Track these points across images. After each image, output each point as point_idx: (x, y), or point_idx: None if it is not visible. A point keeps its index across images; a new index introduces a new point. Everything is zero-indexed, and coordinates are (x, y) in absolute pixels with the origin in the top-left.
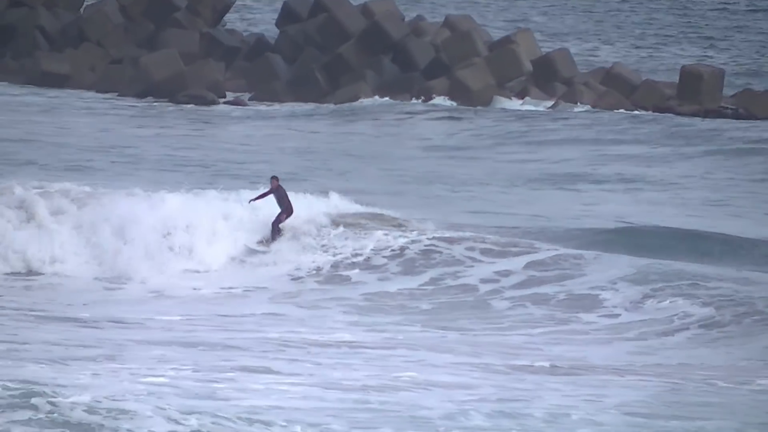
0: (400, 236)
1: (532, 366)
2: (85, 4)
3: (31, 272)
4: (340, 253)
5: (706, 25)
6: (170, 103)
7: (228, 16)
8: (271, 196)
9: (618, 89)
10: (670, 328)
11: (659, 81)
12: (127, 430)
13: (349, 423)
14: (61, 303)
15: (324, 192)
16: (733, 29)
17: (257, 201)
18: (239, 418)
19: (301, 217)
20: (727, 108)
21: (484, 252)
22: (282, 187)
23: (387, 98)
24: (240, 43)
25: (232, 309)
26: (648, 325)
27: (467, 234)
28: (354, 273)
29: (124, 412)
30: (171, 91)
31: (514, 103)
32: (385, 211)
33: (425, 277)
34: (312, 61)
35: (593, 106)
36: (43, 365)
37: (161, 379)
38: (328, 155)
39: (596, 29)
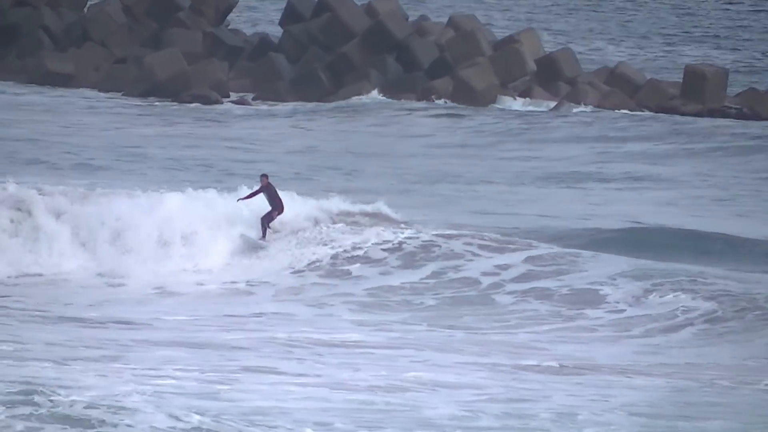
0: (398, 232)
1: (540, 366)
2: (89, 3)
3: (33, 273)
4: (340, 247)
5: (710, 24)
6: (174, 103)
7: (231, 16)
8: (262, 195)
9: (622, 89)
10: (674, 324)
11: (663, 80)
12: (127, 425)
13: (355, 424)
14: (64, 303)
15: (323, 192)
16: (737, 28)
17: (247, 200)
18: (243, 418)
19: (300, 214)
20: (731, 108)
21: (482, 247)
22: (272, 185)
23: (382, 96)
24: (243, 42)
25: (238, 308)
26: (653, 321)
27: (465, 232)
28: (355, 267)
29: (125, 408)
30: (174, 90)
31: (516, 104)
32: (384, 210)
33: (426, 270)
34: (315, 60)
35: (597, 106)
36: (46, 365)
37: (166, 380)
38: (330, 154)
39: (600, 28)
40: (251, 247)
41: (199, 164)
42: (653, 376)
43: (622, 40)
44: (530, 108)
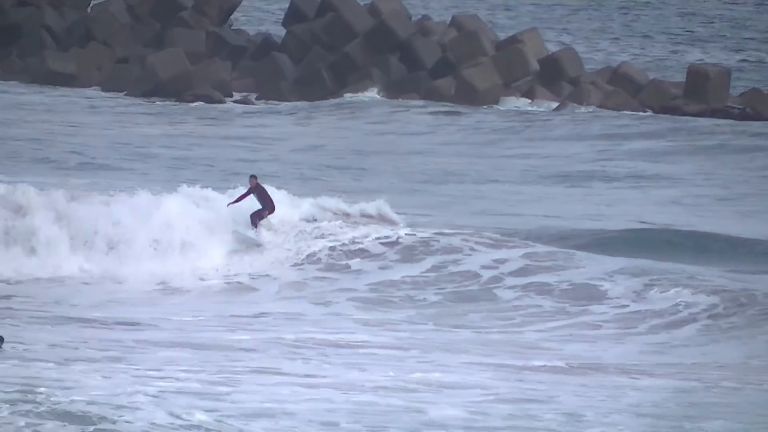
0: (396, 228)
1: (547, 366)
2: (92, 3)
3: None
4: (338, 240)
5: (712, 23)
6: (177, 103)
7: (234, 16)
8: (252, 196)
9: (625, 89)
10: (677, 320)
11: (666, 80)
12: (126, 422)
13: (361, 425)
14: (67, 303)
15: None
16: (740, 28)
17: (237, 203)
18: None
19: (297, 212)
20: (733, 108)
21: (479, 243)
22: (261, 186)
23: (378, 95)
24: (246, 42)
25: (243, 307)
26: (657, 316)
27: (464, 231)
28: (354, 261)
29: (125, 407)
30: (177, 90)
31: (521, 103)
32: (385, 211)
33: (426, 264)
34: (319, 60)
35: (600, 106)
36: (49, 366)
37: (169, 381)
38: (332, 153)
39: (603, 27)
40: (247, 242)
41: (203, 163)
42: (659, 376)
43: (625, 40)
44: (533, 108)
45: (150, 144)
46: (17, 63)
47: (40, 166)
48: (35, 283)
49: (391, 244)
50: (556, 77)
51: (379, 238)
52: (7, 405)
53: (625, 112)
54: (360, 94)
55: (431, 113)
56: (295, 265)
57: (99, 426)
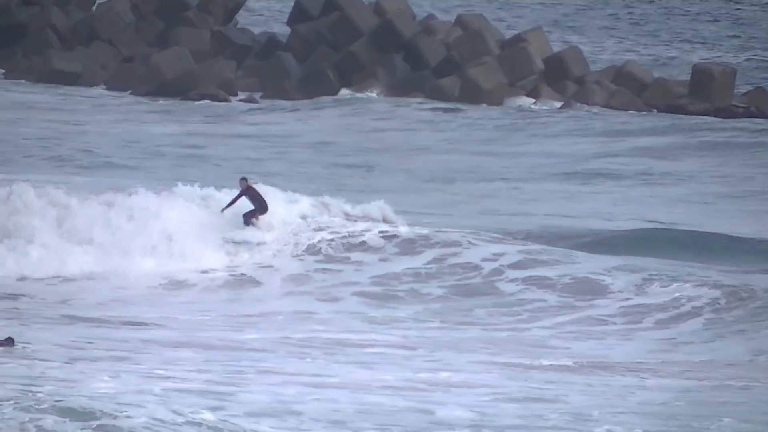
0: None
1: (555, 365)
2: (97, 2)
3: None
4: (337, 233)
5: (716, 21)
6: (182, 101)
7: (242, 14)
8: (244, 198)
9: (629, 88)
10: (681, 313)
11: (671, 79)
12: (127, 417)
13: (369, 425)
14: (71, 302)
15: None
16: (745, 26)
17: (230, 207)
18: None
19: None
20: (738, 107)
21: (477, 238)
22: (252, 188)
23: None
24: (251, 41)
25: (249, 305)
26: (662, 310)
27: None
28: (354, 254)
29: (128, 404)
30: (182, 89)
31: (525, 102)
32: (385, 212)
33: (426, 256)
34: (323, 59)
35: (604, 105)
36: (53, 365)
37: (174, 381)
38: (335, 151)
39: (608, 26)
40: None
41: (208, 161)
42: (667, 374)
43: (631, 39)
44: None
45: (156, 142)
46: (22, 62)
47: (47, 163)
48: (40, 282)
49: (390, 238)
50: (560, 76)
51: (377, 233)
52: (11, 402)
53: (630, 111)
54: (358, 93)
55: (431, 109)
56: (296, 256)
57: (101, 422)
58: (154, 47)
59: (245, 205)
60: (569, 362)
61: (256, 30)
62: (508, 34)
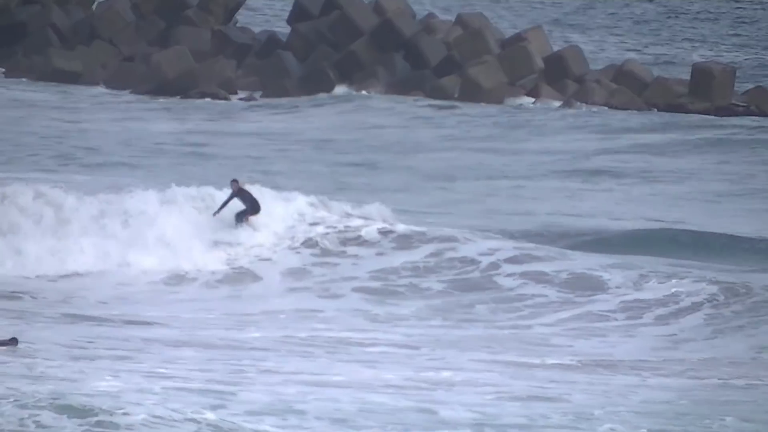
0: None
1: (557, 364)
2: (97, 1)
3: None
4: (333, 228)
5: (716, 19)
6: (182, 100)
7: (241, 12)
8: (237, 200)
9: (629, 87)
10: (681, 309)
11: (671, 78)
12: (124, 413)
13: (372, 424)
14: (74, 301)
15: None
16: (745, 25)
17: (223, 209)
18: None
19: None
20: (738, 105)
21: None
22: (244, 189)
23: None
24: (251, 40)
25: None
26: (662, 305)
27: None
28: (350, 248)
29: (128, 402)
30: (182, 88)
31: (526, 100)
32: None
33: (423, 251)
34: (323, 58)
35: (605, 104)
36: (55, 363)
37: (175, 380)
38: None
39: (609, 25)
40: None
41: (208, 159)
42: (669, 373)
43: (631, 37)
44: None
45: (157, 140)
46: (22, 61)
47: (48, 161)
48: (41, 280)
49: (386, 233)
50: (560, 75)
51: (374, 229)
52: (11, 399)
53: (630, 110)
54: (353, 91)
55: (430, 107)
56: (293, 248)
57: (99, 418)
58: (155, 46)
59: (238, 206)
60: (572, 361)
61: (258, 29)
62: (511, 32)
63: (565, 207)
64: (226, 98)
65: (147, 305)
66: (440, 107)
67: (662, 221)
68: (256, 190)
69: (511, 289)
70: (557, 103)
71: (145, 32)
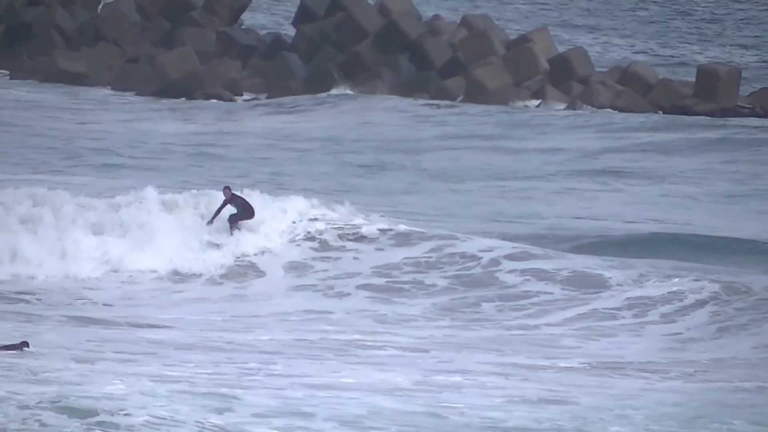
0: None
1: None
2: (102, 3)
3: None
4: (331, 224)
5: (721, 21)
6: (187, 101)
7: (246, 14)
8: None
9: (635, 88)
10: (685, 306)
11: (676, 80)
12: (126, 414)
13: (381, 427)
14: (78, 302)
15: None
16: (751, 27)
17: (216, 217)
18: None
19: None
20: (744, 107)
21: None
22: (237, 195)
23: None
24: (256, 41)
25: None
26: (666, 302)
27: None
28: (349, 243)
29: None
30: (187, 89)
31: (531, 102)
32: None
33: (423, 247)
34: (328, 59)
35: (610, 106)
36: (60, 365)
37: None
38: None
39: (612, 25)
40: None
41: (218, 160)
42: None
43: (636, 39)
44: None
45: (163, 141)
46: (27, 62)
47: (55, 163)
48: (47, 283)
49: (384, 231)
50: (565, 77)
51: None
52: (14, 401)
53: (635, 112)
54: (350, 91)
55: (436, 108)
56: (293, 241)
57: (101, 418)
58: (160, 48)
59: (232, 212)
60: (581, 363)
61: (263, 29)
62: (516, 34)
63: (569, 209)
64: (231, 100)
65: (153, 308)
66: (445, 108)
67: (666, 222)
68: (255, 195)
69: (514, 286)
70: (562, 105)
71: (150, 33)
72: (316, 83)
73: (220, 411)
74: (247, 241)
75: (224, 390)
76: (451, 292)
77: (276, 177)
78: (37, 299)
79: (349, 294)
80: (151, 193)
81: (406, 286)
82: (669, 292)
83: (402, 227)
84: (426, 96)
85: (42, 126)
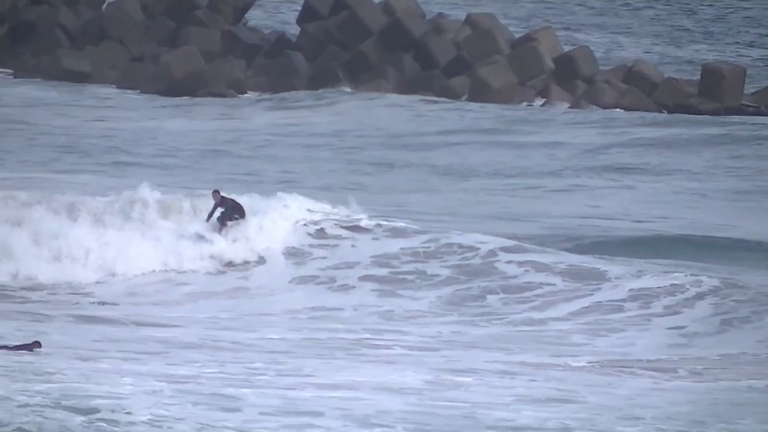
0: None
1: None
2: (107, 1)
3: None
4: (326, 216)
5: (726, 19)
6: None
7: (251, 14)
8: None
9: (639, 87)
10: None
11: (680, 79)
12: (126, 413)
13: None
14: (81, 302)
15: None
16: (756, 26)
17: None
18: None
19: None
20: (748, 106)
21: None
22: (227, 198)
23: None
24: (261, 40)
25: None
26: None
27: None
28: (344, 231)
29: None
30: (191, 88)
31: (536, 101)
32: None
33: (421, 237)
34: (333, 58)
35: (614, 105)
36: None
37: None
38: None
39: (616, 23)
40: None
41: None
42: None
43: (641, 37)
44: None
45: (167, 139)
46: (31, 61)
47: (59, 162)
48: (53, 282)
49: (379, 225)
50: (570, 76)
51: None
52: (18, 399)
53: (640, 111)
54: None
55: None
56: (290, 232)
57: (101, 415)
58: (164, 47)
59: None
60: (590, 362)
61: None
62: (522, 33)
63: (571, 210)
64: (235, 98)
65: (158, 306)
66: (450, 107)
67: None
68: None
69: (516, 276)
70: (566, 104)
71: (155, 32)
72: (320, 82)
73: (226, 410)
74: (245, 233)
75: (230, 390)
76: (454, 282)
77: (282, 174)
78: (43, 298)
79: (354, 287)
80: (147, 191)
81: (409, 277)
82: (671, 285)
83: (400, 223)
84: (430, 95)
85: (48, 124)
